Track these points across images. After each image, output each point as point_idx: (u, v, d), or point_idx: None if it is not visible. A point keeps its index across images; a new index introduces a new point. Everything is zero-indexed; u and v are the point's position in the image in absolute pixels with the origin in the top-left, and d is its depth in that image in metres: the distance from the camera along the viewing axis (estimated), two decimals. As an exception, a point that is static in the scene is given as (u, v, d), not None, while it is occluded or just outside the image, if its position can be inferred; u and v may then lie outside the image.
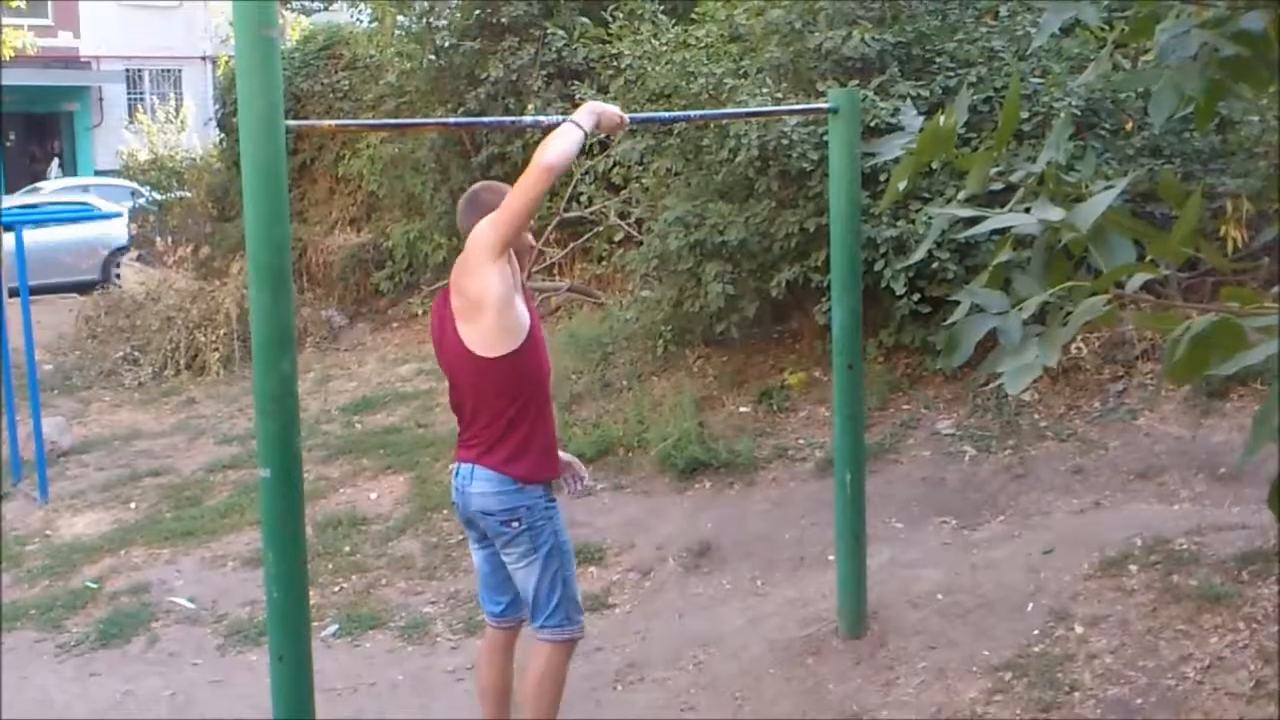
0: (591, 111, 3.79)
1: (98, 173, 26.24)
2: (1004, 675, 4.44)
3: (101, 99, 29.89)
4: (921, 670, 4.61)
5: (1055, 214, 1.93)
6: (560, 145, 3.62)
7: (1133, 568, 4.97)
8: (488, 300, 3.68)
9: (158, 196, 15.11)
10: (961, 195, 2.41)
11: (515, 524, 3.82)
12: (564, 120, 3.74)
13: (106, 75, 29.75)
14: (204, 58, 29.38)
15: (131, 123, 23.68)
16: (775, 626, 5.17)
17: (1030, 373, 1.82)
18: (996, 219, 2.09)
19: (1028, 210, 2.04)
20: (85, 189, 20.18)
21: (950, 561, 5.49)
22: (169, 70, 30.84)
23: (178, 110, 22.50)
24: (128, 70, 30.04)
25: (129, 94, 29.90)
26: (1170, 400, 6.71)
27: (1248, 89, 2.42)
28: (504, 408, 3.81)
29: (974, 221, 2.26)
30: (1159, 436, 6.47)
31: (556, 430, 4.04)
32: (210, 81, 26.21)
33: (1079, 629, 4.64)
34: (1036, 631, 4.69)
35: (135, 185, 16.85)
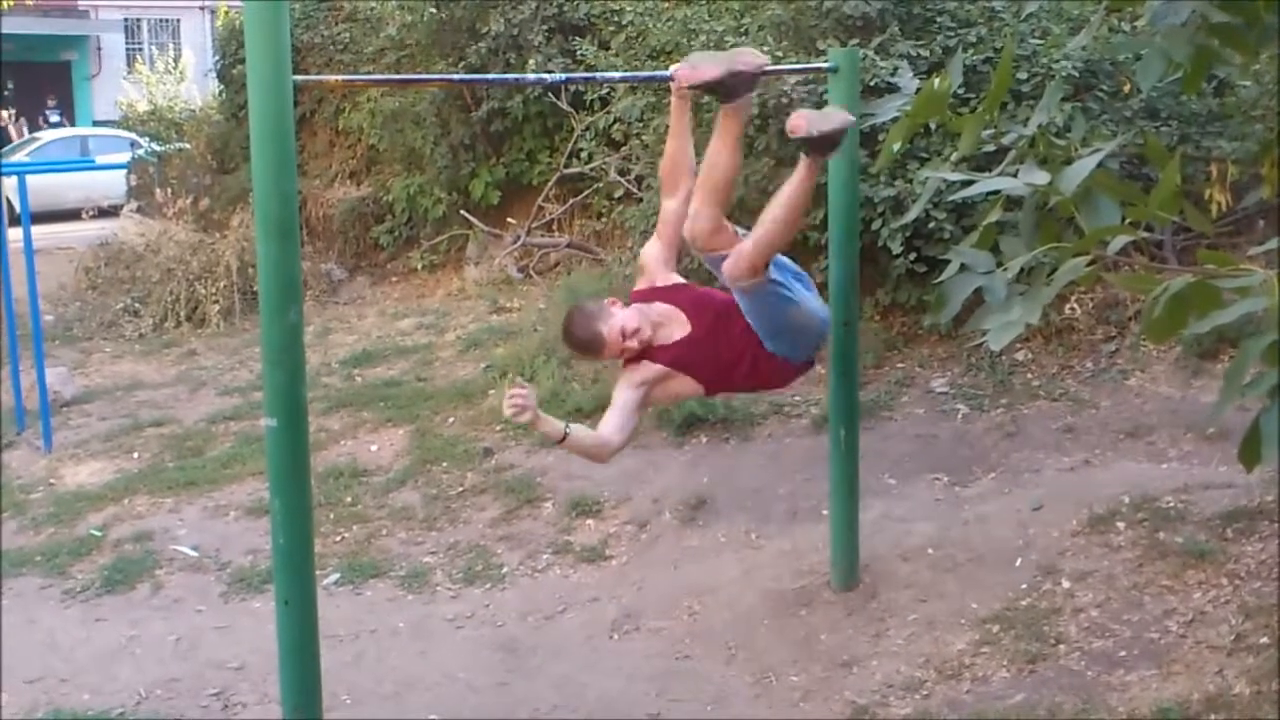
0: None
1: (96, 123, 26.09)
2: (992, 627, 4.54)
3: (100, 49, 29.70)
4: (911, 622, 4.71)
5: (1040, 177, 1.98)
6: None
7: (1120, 524, 5.06)
8: None
9: (157, 148, 15.08)
10: (954, 157, 2.46)
11: None
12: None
13: (105, 24, 29.55)
14: (202, 7, 29.22)
15: (130, 73, 23.54)
16: (769, 578, 5.27)
17: (1013, 330, 1.88)
18: (984, 182, 2.15)
19: (1016, 174, 2.09)
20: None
21: (941, 517, 5.58)
22: (167, 20, 30.66)
23: (176, 61, 22.38)
24: (126, 20, 29.86)
25: (127, 44, 29.72)
26: (1161, 361, 6.79)
27: (1237, 55, 2.47)
28: None
29: (969, 183, 2.31)
30: (1149, 396, 6.56)
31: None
32: (209, 32, 26.04)
33: (1066, 583, 4.74)
34: (1024, 585, 4.79)
35: (134, 136, 16.81)
